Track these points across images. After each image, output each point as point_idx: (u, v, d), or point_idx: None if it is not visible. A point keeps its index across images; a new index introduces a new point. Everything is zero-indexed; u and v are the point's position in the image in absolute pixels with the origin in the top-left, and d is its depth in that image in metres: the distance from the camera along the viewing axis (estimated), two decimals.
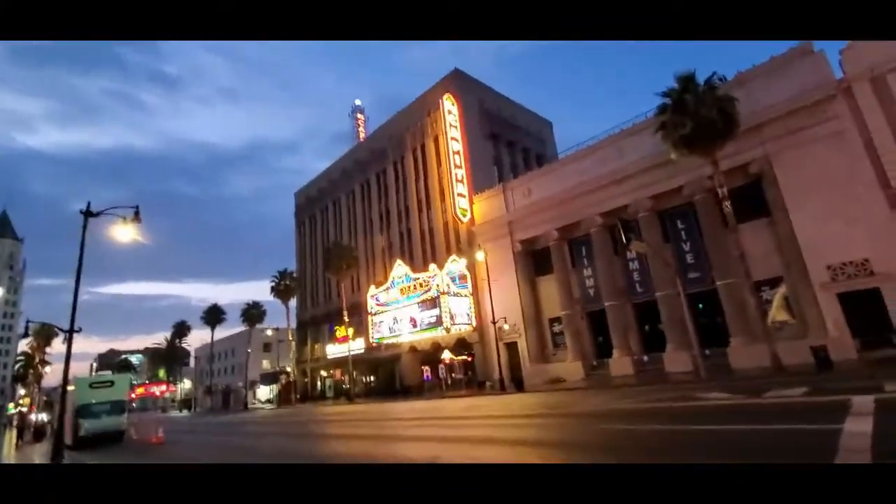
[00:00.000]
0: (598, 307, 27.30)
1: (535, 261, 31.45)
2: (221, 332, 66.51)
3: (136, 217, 16.62)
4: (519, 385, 25.66)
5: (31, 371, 76.58)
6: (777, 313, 21.54)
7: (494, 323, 28.19)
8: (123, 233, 16.55)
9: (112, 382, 21.56)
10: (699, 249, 23.74)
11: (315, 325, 51.23)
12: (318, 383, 49.83)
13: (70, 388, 17.50)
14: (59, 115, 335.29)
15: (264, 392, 59.71)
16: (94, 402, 20.13)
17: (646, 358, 24.62)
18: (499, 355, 28.18)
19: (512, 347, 30.69)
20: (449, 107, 36.69)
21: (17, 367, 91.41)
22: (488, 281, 28.92)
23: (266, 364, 66.87)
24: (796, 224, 20.31)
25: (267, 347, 67.42)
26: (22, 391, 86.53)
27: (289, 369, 53.46)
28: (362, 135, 75.80)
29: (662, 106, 20.28)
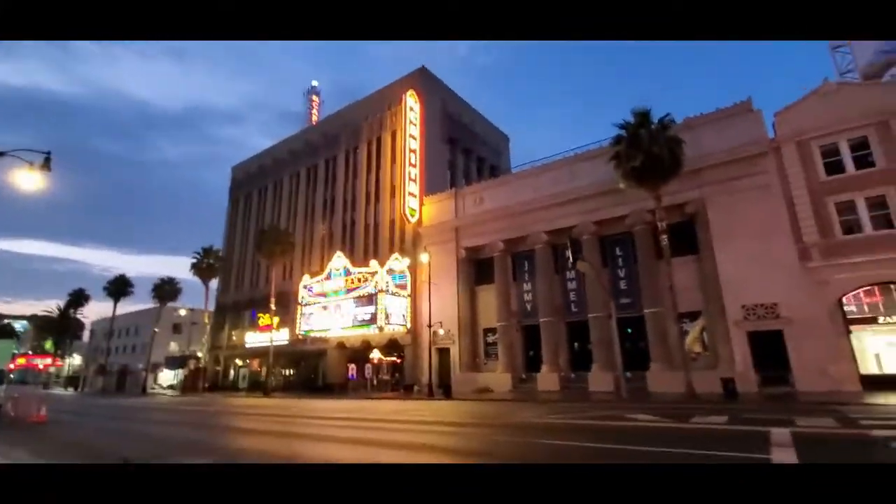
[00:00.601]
0: (533, 322, 27.87)
1: (477, 269, 31.58)
2: (126, 307, 60.36)
3: (47, 164, 14.22)
4: (447, 391, 25.43)
5: None
6: (693, 344, 23.17)
7: (430, 327, 27.81)
8: (28, 180, 14.20)
9: None
10: (632, 277, 25.00)
11: (236, 310, 47.90)
12: (232, 372, 46.52)
13: None
14: None
15: (167, 377, 54.76)
16: None
17: (572, 375, 25.43)
18: (430, 360, 27.79)
19: (444, 353, 30.47)
20: (412, 104, 36.12)
21: None
22: (429, 284, 28.51)
23: (174, 346, 61.44)
24: (720, 264, 22.00)
25: (177, 329, 62.00)
26: None
27: (200, 354, 49.42)
28: (315, 117, 72.97)
29: (618, 137, 21.19)
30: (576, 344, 27.05)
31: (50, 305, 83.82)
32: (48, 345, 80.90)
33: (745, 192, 22.03)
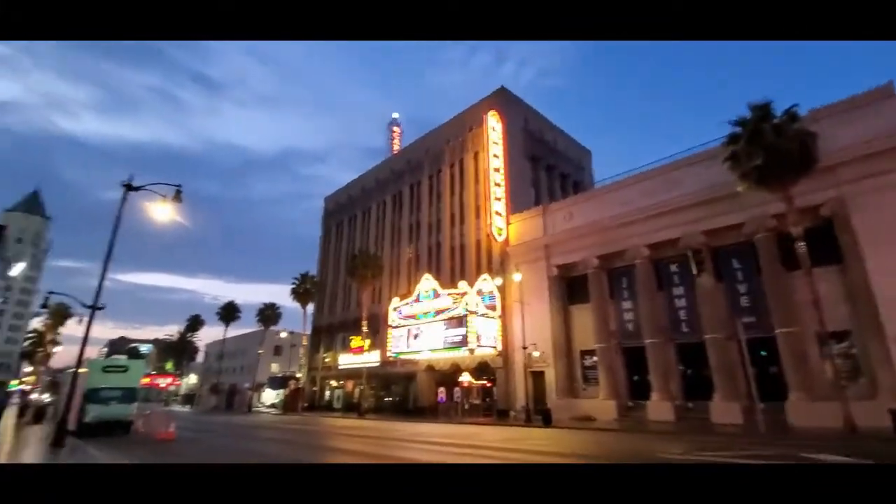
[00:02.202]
0: (637, 343, 25.62)
1: (569, 288, 30.00)
2: (233, 331, 65.90)
3: (178, 196, 15.93)
4: (546, 418, 23.90)
5: (41, 349, 76.77)
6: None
7: (525, 349, 26.67)
8: (162, 212, 15.86)
9: (126, 368, 20.49)
10: (756, 292, 22.07)
11: (330, 332, 50.10)
12: (327, 393, 48.33)
13: (82, 369, 16.57)
14: (101, 105, 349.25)
15: (270, 396, 58.31)
16: (104, 386, 19.03)
17: (689, 405, 22.75)
18: (527, 384, 26.54)
19: (538, 377, 28.98)
20: (493, 123, 36.07)
21: (26, 343, 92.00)
22: (521, 304, 27.52)
23: (275, 367, 65.63)
24: (871, 273, 18.66)
25: (278, 350, 66.35)
26: (29, 368, 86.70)
27: (298, 375, 52.14)
28: (396, 147, 76.18)
29: (734, 135, 19.10)
30: (689, 369, 24.31)
31: (169, 330, 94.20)
32: (169, 365, 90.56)
33: None
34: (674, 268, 24.95)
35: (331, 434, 20.99)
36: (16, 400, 54.84)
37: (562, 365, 28.26)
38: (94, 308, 14.00)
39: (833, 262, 20.16)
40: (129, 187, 15.31)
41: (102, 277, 14.21)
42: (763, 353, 21.38)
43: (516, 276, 28.16)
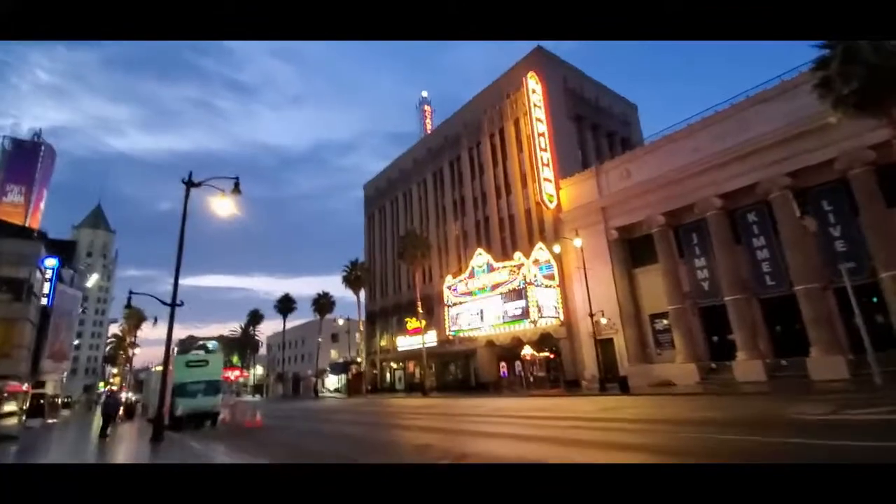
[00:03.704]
0: (714, 302, 23.98)
1: (632, 250, 28.43)
2: (291, 322, 68.21)
3: (236, 189, 15.83)
4: (623, 386, 22.91)
5: (122, 353, 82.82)
6: None
7: (592, 316, 25.54)
8: (222, 206, 15.86)
9: (207, 361, 21.23)
10: (853, 235, 19.86)
11: (384, 316, 50.70)
12: (388, 375, 49.21)
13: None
14: (145, 121, 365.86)
15: (333, 381, 60.28)
16: (189, 381, 19.79)
17: (784, 362, 21.06)
18: (598, 352, 25.56)
19: (606, 345, 27.87)
20: (533, 86, 34.30)
21: (108, 348, 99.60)
22: (584, 270, 26.32)
23: (334, 354, 67.67)
24: None
25: (335, 338, 68.23)
26: (114, 370, 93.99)
27: (359, 360, 53.39)
28: (429, 126, 75.00)
29: (823, 59, 16.85)
30: (777, 325, 22.49)
31: (230, 326, 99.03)
32: (235, 359, 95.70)
33: None
34: (752, 217, 22.94)
35: (403, 413, 20.98)
36: (104, 400, 59.49)
37: (631, 331, 27.00)
38: (174, 305, 14.26)
39: None
40: (189, 184, 15.36)
41: (177, 274, 14.43)
42: (865, 300, 19.28)
43: (577, 242, 26.85)
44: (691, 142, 25.06)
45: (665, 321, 26.09)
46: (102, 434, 16.35)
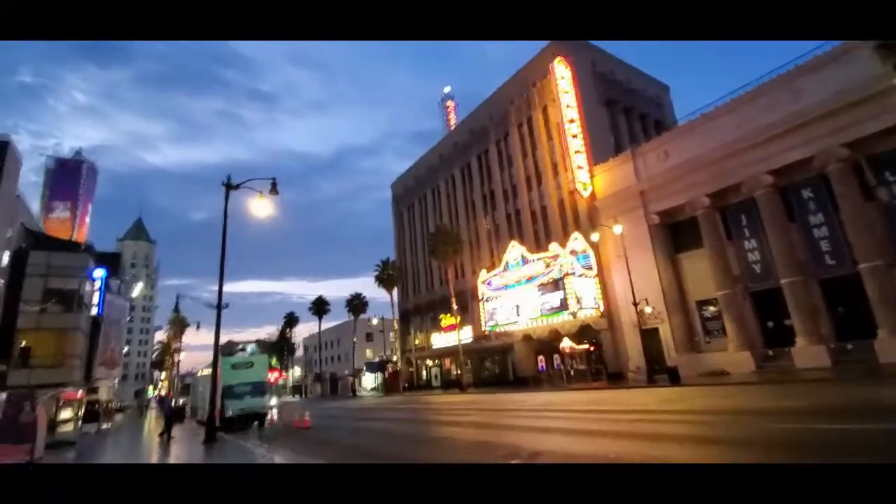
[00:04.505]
0: (768, 286, 22.67)
1: (674, 235, 27.26)
2: (325, 325, 69.27)
3: (274, 189, 15.87)
4: (673, 377, 21.97)
5: (168, 358, 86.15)
6: None
7: (636, 305, 24.63)
8: (260, 207, 15.95)
9: (252, 363, 21.59)
10: None
11: (417, 314, 50.72)
12: (424, 372, 49.22)
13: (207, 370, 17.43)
14: (176, 136, 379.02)
15: (369, 380, 60.82)
16: (236, 382, 20.16)
17: (849, 346, 19.68)
18: (643, 343, 24.65)
19: (650, 335, 26.84)
20: (562, 71, 33.36)
21: (154, 354, 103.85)
22: (626, 257, 25.40)
23: (369, 353, 68.32)
24: None
25: (369, 337, 68.88)
26: (162, 375, 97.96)
27: (394, 358, 53.66)
28: (453, 122, 74.60)
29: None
30: (839, 307, 21.06)
31: (267, 330, 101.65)
32: (273, 361, 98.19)
33: None
34: (807, 193, 21.51)
35: (445, 410, 20.73)
36: (153, 405, 61.95)
37: (678, 319, 25.90)
38: (220, 308, 14.41)
39: None
40: (228, 186, 15.48)
41: (221, 276, 14.57)
42: None
43: (617, 228, 25.93)
44: (735, 117, 23.72)
45: (713, 308, 24.90)
46: (166, 435, 16.68)
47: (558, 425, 11.92)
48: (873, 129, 19.04)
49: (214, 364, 14.98)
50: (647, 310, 25.68)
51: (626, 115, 37.89)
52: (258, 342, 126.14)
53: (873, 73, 17.32)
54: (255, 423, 20.01)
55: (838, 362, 19.45)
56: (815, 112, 20.32)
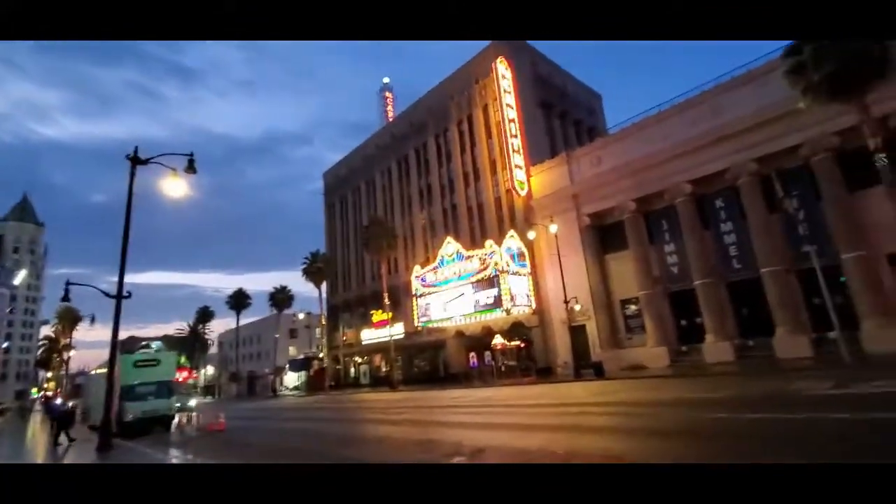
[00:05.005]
0: (683, 287, 24.40)
1: (603, 237, 28.54)
2: (243, 320, 64.82)
3: (191, 167, 14.05)
4: (598, 371, 22.92)
5: (56, 356, 75.92)
6: None
7: (567, 303, 25.40)
8: (174, 187, 14.03)
9: (158, 361, 19.20)
10: (815, 218, 20.58)
11: (347, 309, 48.96)
12: (352, 370, 47.63)
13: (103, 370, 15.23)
14: (77, 107, 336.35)
15: (292, 379, 57.77)
16: (138, 382, 17.78)
17: (750, 342, 21.66)
18: (572, 340, 25.48)
19: (577, 331, 27.88)
20: (503, 71, 33.66)
21: (39, 352, 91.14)
22: (559, 257, 26.10)
23: (293, 350, 64.95)
24: None
25: (293, 334, 65.47)
26: (48, 375, 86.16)
27: (320, 355, 51.37)
28: (391, 114, 73.01)
29: (795, 45, 17.16)
30: (743, 307, 23.15)
31: (176, 326, 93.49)
32: (182, 359, 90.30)
33: None
34: (720, 202, 23.44)
35: (386, 408, 19.91)
36: (38, 407, 54.22)
37: (603, 316, 27.15)
38: (120, 297, 12.45)
39: None
40: (135, 160, 13.47)
41: (123, 261, 12.61)
42: (843, 279, 19.99)
43: (553, 228, 26.57)
44: (663, 128, 25.27)
45: (635, 306, 26.38)
46: (56, 442, 14.47)
47: (499, 420, 11.68)
48: (781, 146, 21.12)
49: (112, 360, 12.95)
50: (577, 307, 26.62)
51: (561, 120, 39.17)
52: (165, 338, 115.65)
53: (784, 95, 19.07)
54: (163, 426, 17.82)
55: (741, 357, 21.34)
56: (732, 128, 22.13)
